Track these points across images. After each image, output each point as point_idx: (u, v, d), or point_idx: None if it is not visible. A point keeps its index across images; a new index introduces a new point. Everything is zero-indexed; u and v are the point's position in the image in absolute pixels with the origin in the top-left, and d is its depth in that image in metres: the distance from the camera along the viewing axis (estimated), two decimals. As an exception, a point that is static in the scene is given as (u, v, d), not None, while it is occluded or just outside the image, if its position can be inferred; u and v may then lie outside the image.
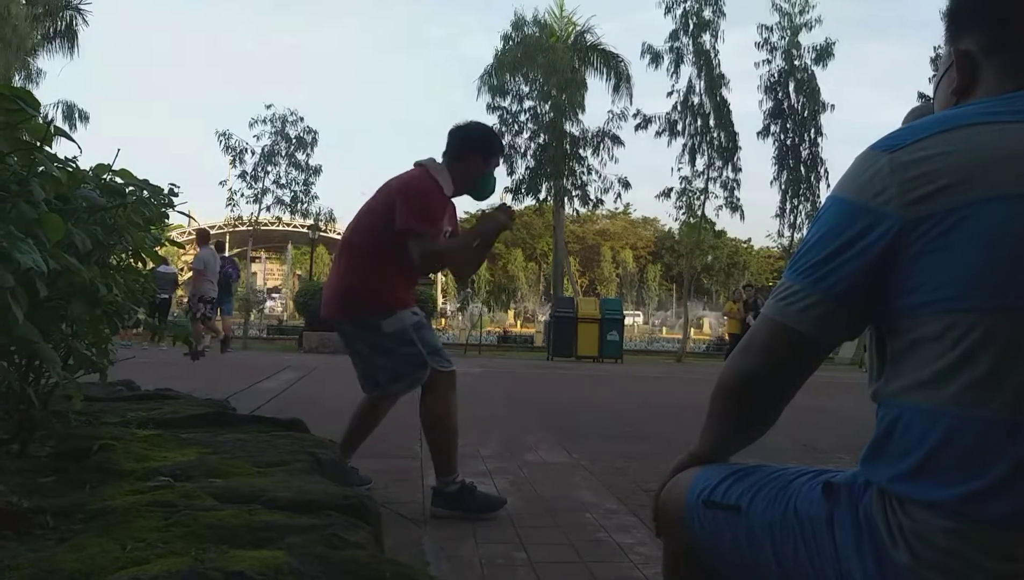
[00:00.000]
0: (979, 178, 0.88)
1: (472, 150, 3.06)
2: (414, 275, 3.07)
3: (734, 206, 21.50)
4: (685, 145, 21.26)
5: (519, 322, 43.27)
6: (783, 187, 22.50)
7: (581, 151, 23.57)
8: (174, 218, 2.75)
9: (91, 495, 1.72)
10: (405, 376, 2.95)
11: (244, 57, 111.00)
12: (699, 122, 21.21)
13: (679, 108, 21.27)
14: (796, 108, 22.23)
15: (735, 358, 1.06)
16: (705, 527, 1.10)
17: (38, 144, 1.73)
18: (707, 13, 20.94)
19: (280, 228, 30.85)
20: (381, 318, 2.92)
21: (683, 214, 21.57)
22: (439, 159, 3.08)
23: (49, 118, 4.19)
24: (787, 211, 22.57)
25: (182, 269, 16.33)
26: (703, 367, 15.40)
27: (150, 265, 2.56)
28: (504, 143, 23.37)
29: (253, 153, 19.65)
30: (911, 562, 0.87)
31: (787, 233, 22.61)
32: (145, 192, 2.33)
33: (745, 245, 48.20)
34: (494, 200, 4.04)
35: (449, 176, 3.02)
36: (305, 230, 24.79)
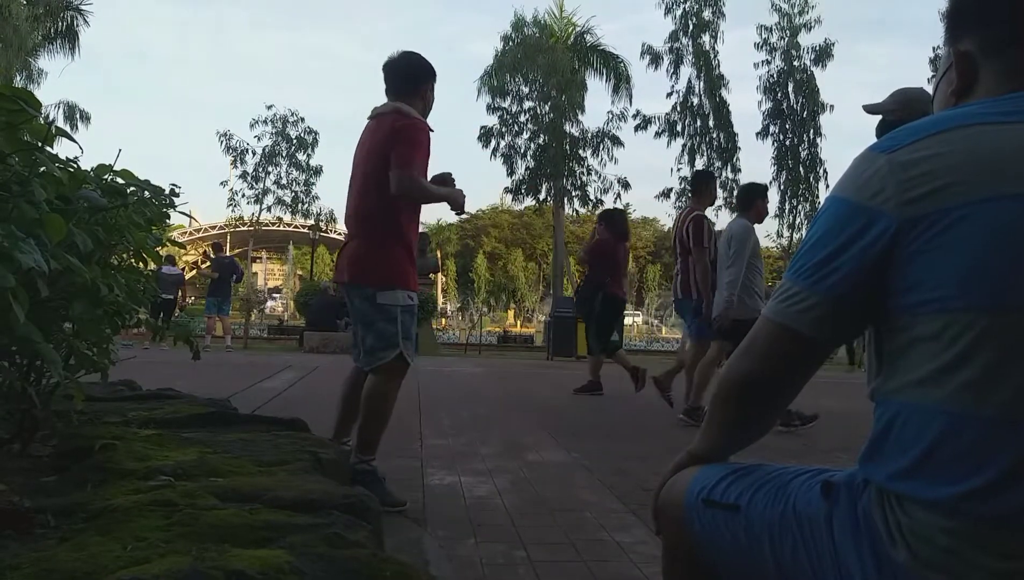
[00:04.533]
0: (977, 178, 0.88)
1: (426, 81, 3.15)
2: (414, 248, 3.11)
3: (733, 206, 21.51)
4: (684, 145, 21.31)
5: (519, 322, 43.24)
6: (782, 187, 22.53)
7: (581, 151, 23.58)
8: (175, 218, 2.76)
9: (92, 494, 1.73)
10: (375, 351, 2.95)
11: (246, 58, 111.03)
12: (698, 123, 21.25)
13: (678, 109, 21.31)
14: (795, 109, 22.25)
15: (736, 360, 1.07)
16: (704, 526, 1.10)
17: (39, 145, 1.74)
18: (707, 14, 20.98)
19: (281, 228, 30.89)
20: (377, 289, 2.94)
21: (683, 214, 21.58)
22: (386, 100, 3.10)
23: (50, 119, 4.17)
24: (786, 211, 22.61)
25: (183, 269, 16.28)
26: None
27: (151, 265, 2.57)
28: (504, 142, 23.53)
29: (254, 154, 19.66)
30: (910, 560, 0.88)
31: (786, 233, 22.63)
32: (146, 192, 2.34)
33: (745, 245, 48.11)
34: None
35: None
36: (306, 230, 24.80)
